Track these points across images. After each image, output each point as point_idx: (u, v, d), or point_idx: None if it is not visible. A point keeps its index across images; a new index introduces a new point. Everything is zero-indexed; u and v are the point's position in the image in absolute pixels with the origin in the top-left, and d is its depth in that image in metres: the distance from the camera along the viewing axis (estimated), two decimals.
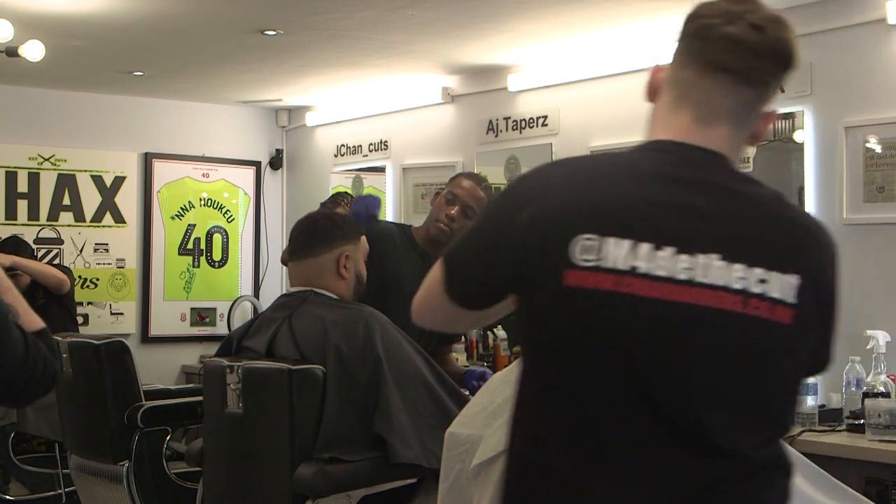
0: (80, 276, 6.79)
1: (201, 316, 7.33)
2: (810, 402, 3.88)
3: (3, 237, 6.10)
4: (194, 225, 7.32)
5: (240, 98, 7.19)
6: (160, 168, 7.18)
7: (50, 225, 6.81)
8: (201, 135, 7.37)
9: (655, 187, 1.55)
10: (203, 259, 7.35)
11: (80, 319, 6.46)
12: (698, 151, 1.59)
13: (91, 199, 6.93)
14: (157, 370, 6.73)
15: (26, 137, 6.73)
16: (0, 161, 6.64)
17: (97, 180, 6.95)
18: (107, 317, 6.99)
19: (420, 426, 2.97)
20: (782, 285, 1.51)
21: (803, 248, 1.57)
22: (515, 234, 1.57)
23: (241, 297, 7.39)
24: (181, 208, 7.27)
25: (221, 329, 7.17)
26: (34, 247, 6.53)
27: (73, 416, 4.15)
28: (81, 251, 6.90)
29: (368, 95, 6.71)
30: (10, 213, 6.68)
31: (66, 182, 6.85)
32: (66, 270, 6.01)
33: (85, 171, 6.91)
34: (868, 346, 3.94)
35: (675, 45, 1.68)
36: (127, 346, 4.01)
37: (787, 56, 1.63)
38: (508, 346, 5.38)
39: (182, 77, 6.43)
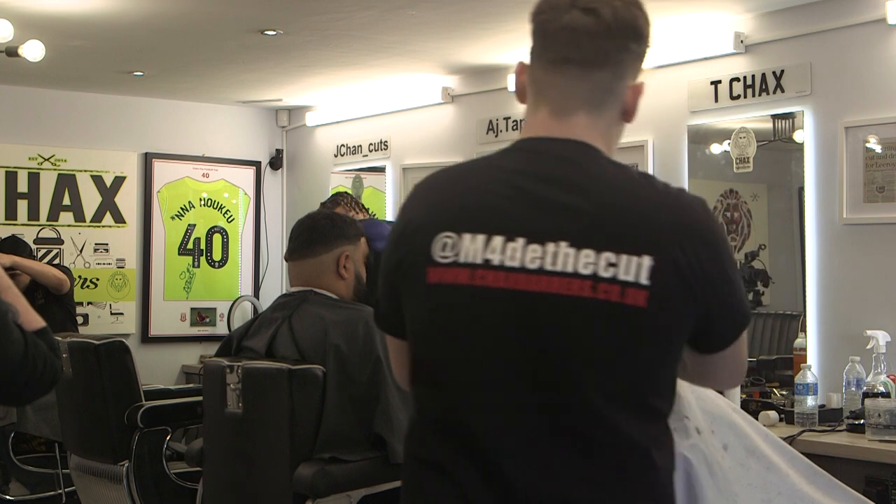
0: (80, 276, 6.79)
1: (201, 316, 7.33)
2: (810, 402, 3.88)
3: (2, 237, 6.10)
4: (194, 225, 7.32)
5: (240, 98, 7.19)
6: (160, 168, 7.18)
7: (50, 225, 6.81)
8: (201, 135, 7.37)
9: (510, 183, 1.59)
10: (203, 259, 7.35)
11: (80, 319, 6.47)
12: (556, 143, 1.62)
13: (91, 199, 6.93)
14: (157, 370, 6.73)
15: (26, 137, 6.73)
16: (0, 161, 6.64)
17: (97, 180, 6.95)
18: (107, 317, 6.99)
19: None
20: (633, 268, 1.51)
21: (658, 229, 1.54)
22: (394, 251, 1.66)
23: (241, 297, 7.39)
24: (181, 208, 7.27)
25: (221, 329, 7.18)
26: (34, 247, 6.54)
27: (73, 416, 4.15)
28: (81, 251, 6.90)
29: (368, 95, 6.71)
30: (10, 213, 6.68)
31: (66, 182, 6.85)
32: (66, 270, 6.01)
33: (85, 171, 6.91)
34: (868, 346, 3.94)
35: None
36: (127, 346, 4.01)
37: (629, 29, 1.62)
38: None
39: (182, 77, 6.43)
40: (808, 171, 4.47)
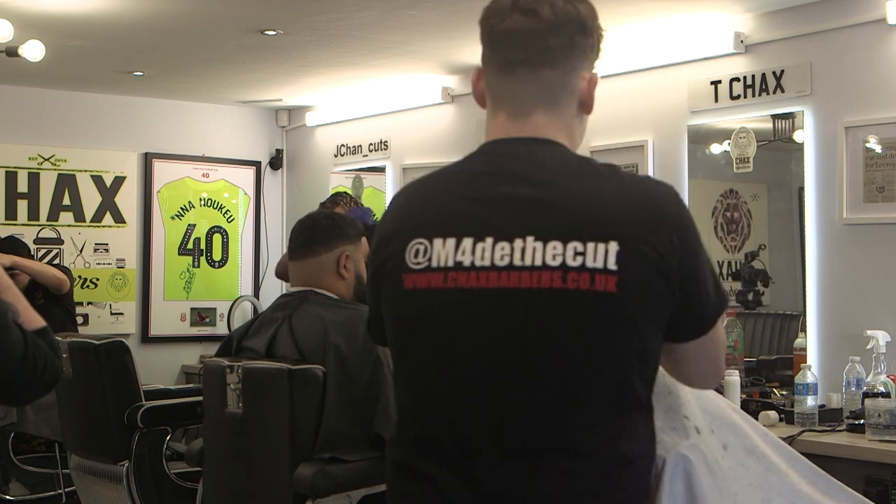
0: (80, 276, 6.79)
1: (201, 316, 7.33)
2: (810, 402, 3.88)
3: (1, 237, 6.10)
4: (194, 225, 7.32)
5: (240, 98, 7.19)
6: (160, 168, 7.18)
7: (50, 225, 6.81)
8: (201, 135, 7.37)
9: (476, 186, 1.62)
10: (203, 259, 7.35)
11: (79, 319, 6.47)
12: (517, 143, 1.64)
13: (91, 199, 6.93)
14: (157, 370, 6.73)
15: (26, 137, 6.73)
16: (0, 161, 6.64)
17: (97, 180, 6.95)
18: (107, 317, 6.99)
19: None
20: (601, 254, 1.52)
21: (623, 214, 1.55)
22: (372, 260, 1.71)
23: (241, 297, 7.39)
24: (181, 208, 7.27)
25: (221, 329, 7.18)
26: (34, 247, 6.54)
27: (73, 416, 4.15)
28: (81, 251, 6.90)
29: (368, 95, 6.71)
30: (10, 213, 6.68)
31: (66, 182, 6.85)
32: (66, 270, 6.01)
33: (85, 171, 6.91)
34: (868, 346, 3.94)
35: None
36: (127, 346, 4.01)
37: (572, 24, 1.64)
38: None
39: (182, 77, 6.43)
40: (808, 171, 4.47)
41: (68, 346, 3.97)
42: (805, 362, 4.11)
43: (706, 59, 4.87)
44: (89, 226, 6.92)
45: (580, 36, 1.65)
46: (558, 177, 1.59)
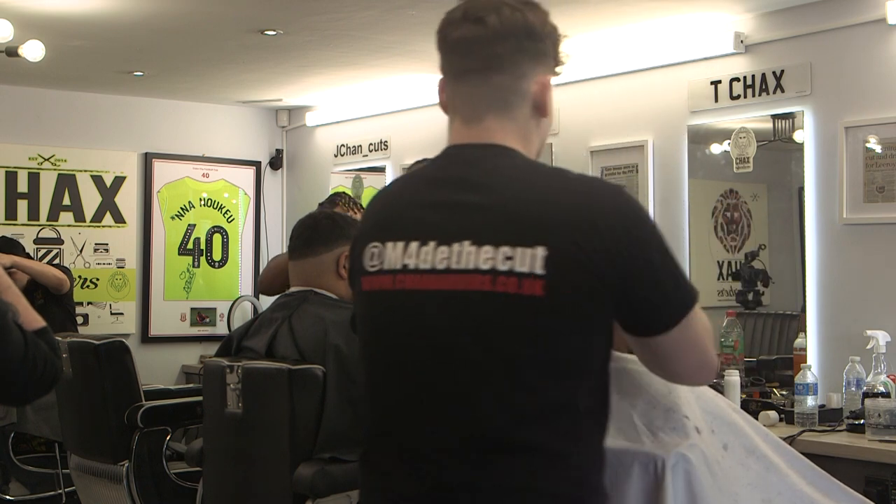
0: (80, 276, 6.79)
1: (201, 316, 7.33)
2: (810, 402, 3.88)
3: None
4: (194, 225, 7.32)
5: (240, 98, 7.19)
6: (160, 168, 7.18)
7: (50, 225, 6.81)
8: (201, 135, 7.37)
9: (427, 191, 1.71)
10: (203, 259, 7.35)
11: (79, 319, 6.47)
12: (468, 148, 1.70)
13: (91, 199, 6.93)
14: (157, 370, 6.73)
15: (26, 137, 6.73)
16: (0, 161, 6.64)
17: (97, 180, 6.95)
18: (107, 317, 6.99)
19: None
20: (528, 259, 1.56)
21: (553, 219, 1.59)
22: (349, 263, 1.81)
23: (241, 297, 7.39)
24: (181, 208, 7.27)
25: (221, 329, 7.18)
26: (34, 247, 6.54)
27: (73, 416, 4.15)
28: (81, 251, 6.90)
29: (368, 95, 6.71)
30: (10, 213, 6.68)
31: (66, 182, 6.85)
32: (66, 270, 6.01)
33: (85, 171, 6.91)
34: (868, 346, 3.94)
35: None
36: (127, 347, 4.00)
37: (520, 30, 1.69)
38: None
39: (182, 77, 6.43)
40: (808, 171, 4.47)
41: (68, 346, 3.96)
42: (805, 362, 4.11)
43: (706, 59, 4.87)
44: (89, 226, 6.92)
45: (528, 41, 1.69)
46: (501, 182, 1.64)
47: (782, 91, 4.57)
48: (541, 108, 1.73)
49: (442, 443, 1.63)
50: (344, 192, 6.30)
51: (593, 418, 1.66)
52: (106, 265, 7.00)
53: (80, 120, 6.93)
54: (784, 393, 4.25)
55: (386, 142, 6.77)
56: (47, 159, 6.79)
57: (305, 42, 5.38)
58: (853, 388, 3.90)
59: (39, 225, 6.77)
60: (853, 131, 4.30)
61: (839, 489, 2.11)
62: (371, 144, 6.88)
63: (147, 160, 7.12)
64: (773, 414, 3.96)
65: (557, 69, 1.76)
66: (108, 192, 6.99)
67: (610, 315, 1.63)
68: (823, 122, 4.43)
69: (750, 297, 4.92)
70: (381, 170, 6.82)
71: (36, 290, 5.67)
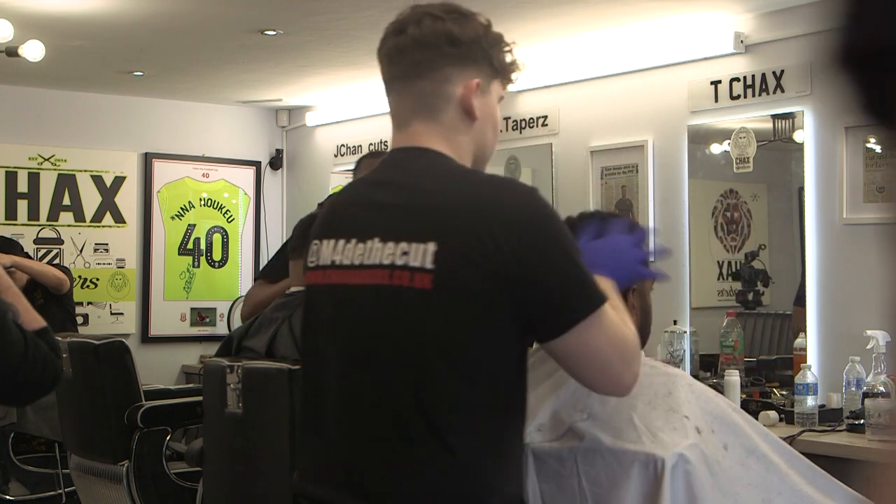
0: (79, 276, 6.78)
1: (201, 316, 7.32)
2: (810, 402, 3.88)
3: None
4: (194, 225, 7.32)
5: (240, 98, 7.19)
6: (160, 168, 7.18)
7: (50, 225, 6.80)
8: (201, 135, 7.37)
9: (362, 192, 1.84)
10: (203, 259, 7.35)
11: (79, 319, 6.46)
12: (397, 153, 1.80)
13: (91, 199, 6.93)
14: (157, 370, 6.73)
15: (26, 137, 6.73)
16: (0, 161, 6.64)
17: (97, 180, 6.95)
18: (107, 317, 6.99)
19: None
20: (420, 254, 1.64)
21: (447, 216, 1.67)
22: None
23: (241, 297, 7.37)
24: (181, 208, 7.27)
25: (221, 329, 7.17)
26: (34, 247, 6.54)
27: (73, 416, 4.15)
28: (81, 251, 6.90)
29: (368, 95, 6.71)
30: (10, 213, 6.67)
31: (66, 182, 6.85)
32: (66, 270, 6.01)
33: (85, 171, 6.91)
34: (868, 346, 3.94)
35: None
36: (127, 347, 4.01)
37: (440, 37, 1.76)
38: None
39: (182, 77, 6.43)
40: (808, 171, 4.47)
41: (68, 346, 3.96)
42: (805, 362, 4.11)
43: (706, 59, 4.87)
44: (89, 226, 6.92)
45: (450, 47, 1.76)
46: (413, 182, 1.74)
47: (782, 91, 4.57)
48: (468, 112, 1.78)
49: (349, 432, 1.73)
50: None
51: (499, 420, 1.69)
52: (106, 265, 7.00)
53: (80, 120, 6.93)
54: (784, 393, 4.25)
55: (386, 142, 6.76)
56: (47, 159, 6.79)
57: (305, 42, 5.38)
58: (853, 388, 3.90)
59: (39, 225, 6.77)
60: (853, 131, 4.30)
61: (839, 489, 2.11)
62: (371, 144, 6.87)
63: (147, 160, 7.12)
64: (773, 414, 3.96)
65: (512, 76, 1.83)
66: (108, 192, 6.99)
67: (515, 315, 1.65)
68: (823, 122, 4.43)
69: (750, 297, 4.92)
70: None
71: (36, 290, 5.66)
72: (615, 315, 1.69)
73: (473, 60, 1.77)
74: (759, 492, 1.99)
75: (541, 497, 1.98)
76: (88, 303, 6.90)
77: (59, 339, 2.36)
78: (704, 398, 2.04)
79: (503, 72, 1.81)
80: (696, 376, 3.44)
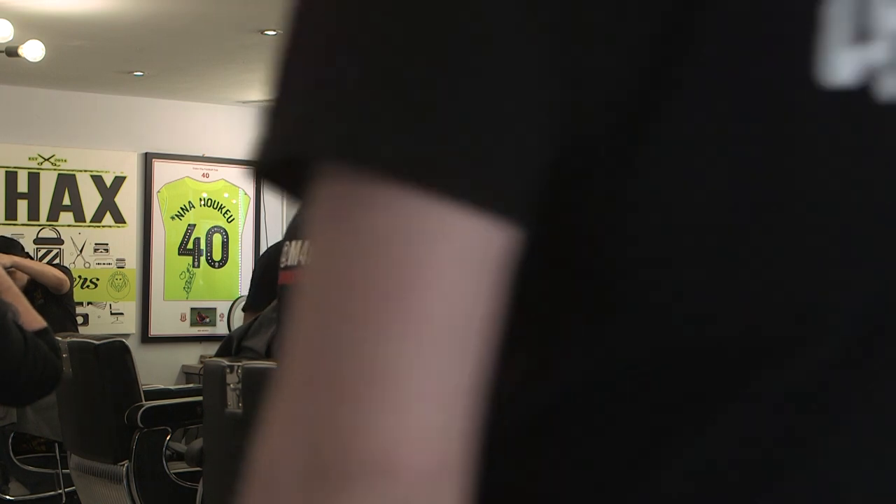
0: (79, 276, 6.78)
1: (201, 316, 7.32)
2: None
3: None
4: (194, 225, 7.32)
5: (240, 98, 7.19)
6: (160, 168, 7.17)
7: (50, 225, 6.81)
8: (201, 135, 7.37)
9: None
10: (203, 259, 7.35)
11: (79, 319, 6.46)
12: None
13: (91, 199, 6.93)
14: (157, 370, 6.72)
15: (26, 137, 6.73)
16: (0, 161, 6.64)
17: (97, 180, 6.95)
18: (107, 317, 6.99)
19: None
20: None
21: None
22: None
23: (240, 297, 7.37)
24: (181, 208, 7.27)
25: (221, 329, 7.17)
26: (34, 247, 6.54)
27: (73, 416, 4.15)
28: (81, 251, 6.90)
29: None
30: (10, 213, 6.67)
31: (66, 182, 6.85)
32: (66, 270, 6.01)
33: (85, 171, 6.91)
34: None
35: None
36: (127, 347, 4.01)
37: None
38: None
39: (182, 77, 6.42)
40: None
41: (68, 346, 3.96)
42: None
43: None
44: (89, 226, 6.92)
45: None
46: None
47: None
48: None
49: None
50: None
51: None
52: (106, 265, 7.00)
53: (80, 120, 6.93)
54: None
55: None
56: (47, 159, 6.79)
57: None
58: None
59: (39, 225, 6.77)
60: None
61: None
62: None
63: (147, 160, 7.12)
64: None
65: None
66: (108, 192, 6.99)
67: None
68: None
69: None
70: None
71: (36, 290, 5.66)
72: None
73: None
74: None
75: None
76: (88, 303, 6.90)
77: (59, 339, 2.37)
78: None
79: None
80: None
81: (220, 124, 7.45)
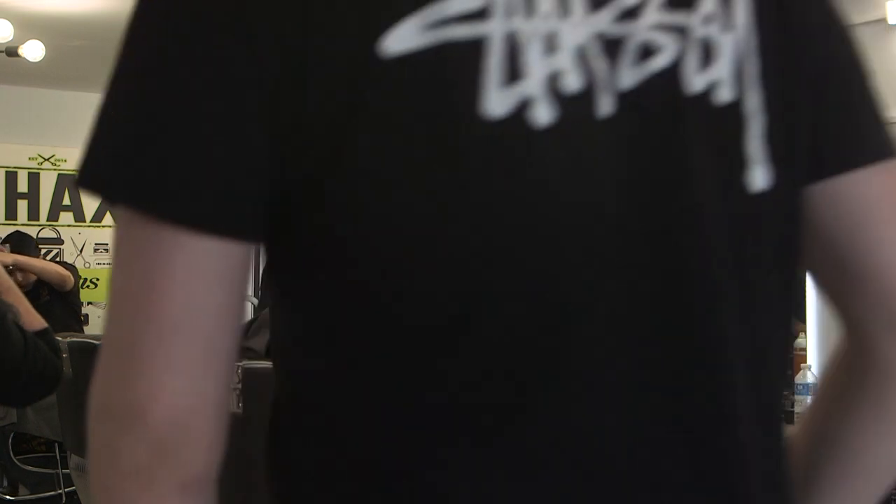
0: (80, 277, 6.78)
1: None
2: (810, 402, 3.87)
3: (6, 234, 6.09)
4: None
5: None
6: None
7: (50, 225, 6.81)
8: None
9: None
10: None
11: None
12: None
13: (91, 199, 6.92)
14: None
15: (26, 137, 6.74)
16: (0, 161, 6.64)
17: None
18: None
19: None
20: None
21: None
22: None
23: None
24: None
25: None
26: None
27: (73, 416, 4.15)
28: (81, 251, 6.90)
29: None
30: (10, 213, 6.68)
31: (66, 182, 6.85)
32: (71, 268, 6.00)
33: None
34: None
35: None
36: None
37: None
38: None
39: None
40: None
41: (68, 346, 3.96)
42: (805, 362, 4.11)
43: None
44: (89, 226, 6.92)
45: None
46: None
47: None
48: None
49: None
50: None
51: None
52: (106, 265, 7.00)
53: (80, 120, 6.87)
54: (784, 393, 4.25)
55: None
56: (47, 159, 6.79)
57: None
58: None
59: (39, 225, 6.77)
60: None
61: None
62: None
63: None
64: None
65: None
66: None
67: None
68: None
69: None
70: None
71: (41, 288, 5.65)
72: None
73: None
74: None
75: None
76: (88, 303, 6.90)
77: (59, 339, 2.37)
78: None
79: None
80: None
81: None
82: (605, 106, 0.70)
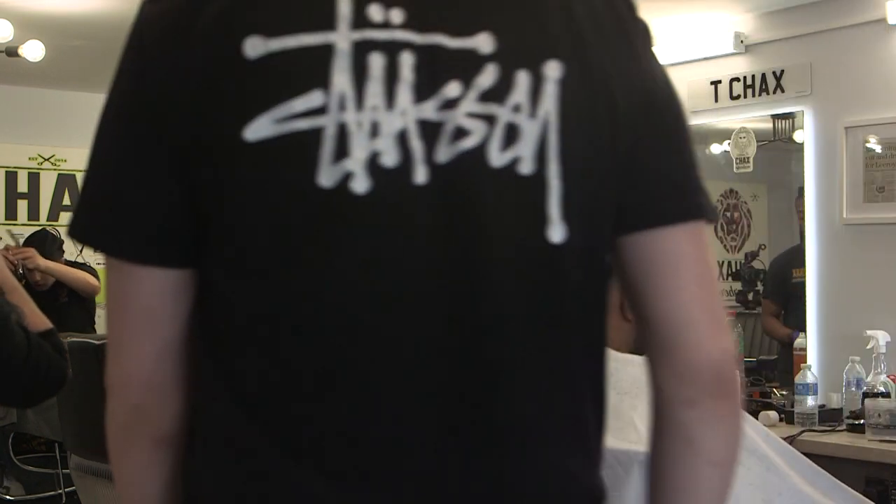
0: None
1: None
2: (810, 402, 3.88)
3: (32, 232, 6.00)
4: None
5: None
6: None
7: (50, 225, 6.80)
8: None
9: None
10: None
11: None
12: None
13: None
14: None
15: (26, 137, 6.73)
16: (0, 161, 6.64)
17: None
18: None
19: None
20: None
21: None
22: None
23: None
24: None
25: None
26: None
27: (73, 416, 4.15)
28: (82, 251, 6.89)
29: None
30: (10, 213, 6.67)
31: (66, 182, 6.84)
32: (94, 272, 5.80)
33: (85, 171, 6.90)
34: (868, 346, 3.94)
35: None
36: None
37: None
38: None
39: None
40: (808, 171, 4.48)
41: (68, 346, 3.96)
42: (805, 362, 4.11)
43: (706, 59, 4.87)
44: None
45: None
46: None
47: (782, 91, 4.57)
48: None
49: None
50: None
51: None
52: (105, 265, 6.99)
53: (80, 120, 6.89)
54: (784, 393, 4.26)
55: None
56: (47, 159, 6.79)
57: None
58: (853, 388, 3.91)
59: (39, 225, 6.76)
60: (853, 131, 4.31)
61: (839, 489, 2.12)
62: None
63: None
64: (773, 414, 3.96)
65: None
66: None
67: None
68: (823, 122, 4.44)
69: (750, 296, 4.93)
70: None
71: (60, 289, 5.60)
72: None
73: None
74: (760, 492, 1.99)
75: None
76: None
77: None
78: None
79: None
80: None
81: None
82: (420, 176, 0.91)
